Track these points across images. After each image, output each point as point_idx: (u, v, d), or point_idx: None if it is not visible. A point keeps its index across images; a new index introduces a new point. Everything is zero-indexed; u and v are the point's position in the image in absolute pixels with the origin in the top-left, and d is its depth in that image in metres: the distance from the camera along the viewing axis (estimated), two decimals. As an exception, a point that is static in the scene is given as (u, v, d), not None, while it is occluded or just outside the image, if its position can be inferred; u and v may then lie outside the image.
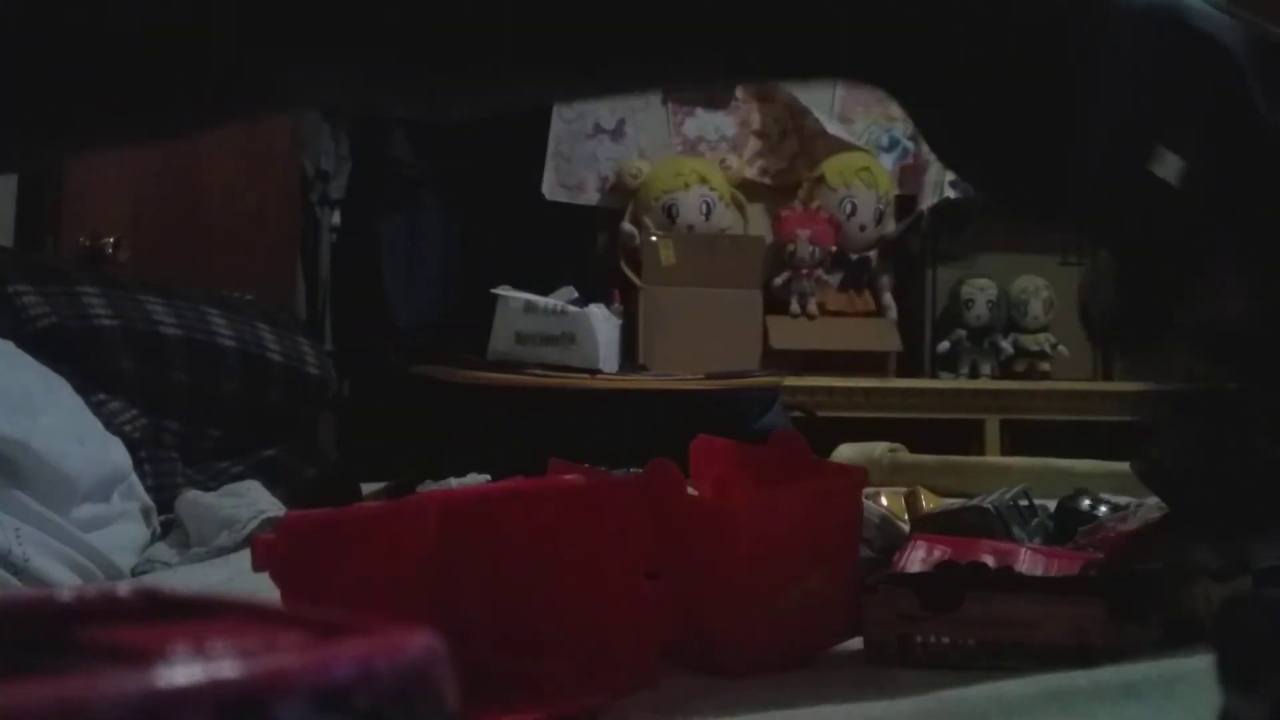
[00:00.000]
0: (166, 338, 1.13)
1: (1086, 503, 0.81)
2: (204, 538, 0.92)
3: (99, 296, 1.10)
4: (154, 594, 0.21)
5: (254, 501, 0.97)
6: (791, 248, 2.62)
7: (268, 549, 0.50)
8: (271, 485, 1.07)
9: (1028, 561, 0.62)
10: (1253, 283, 0.34)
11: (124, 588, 0.22)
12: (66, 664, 0.19)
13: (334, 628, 0.19)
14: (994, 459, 2.13)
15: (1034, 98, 0.38)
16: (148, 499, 0.95)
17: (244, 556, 0.59)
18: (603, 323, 2.05)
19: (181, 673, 0.16)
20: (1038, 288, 2.65)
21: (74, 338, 1.05)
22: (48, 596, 0.21)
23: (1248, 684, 0.24)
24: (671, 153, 2.82)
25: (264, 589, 0.51)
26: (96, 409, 0.98)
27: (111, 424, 0.99)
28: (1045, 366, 2.64)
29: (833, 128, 2.82)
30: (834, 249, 2.67)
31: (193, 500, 0.97)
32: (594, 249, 2.83)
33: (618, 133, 2.83)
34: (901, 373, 2.62)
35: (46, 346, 0.97)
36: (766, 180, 2.87)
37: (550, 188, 2.78)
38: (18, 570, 0.74)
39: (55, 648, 0.20)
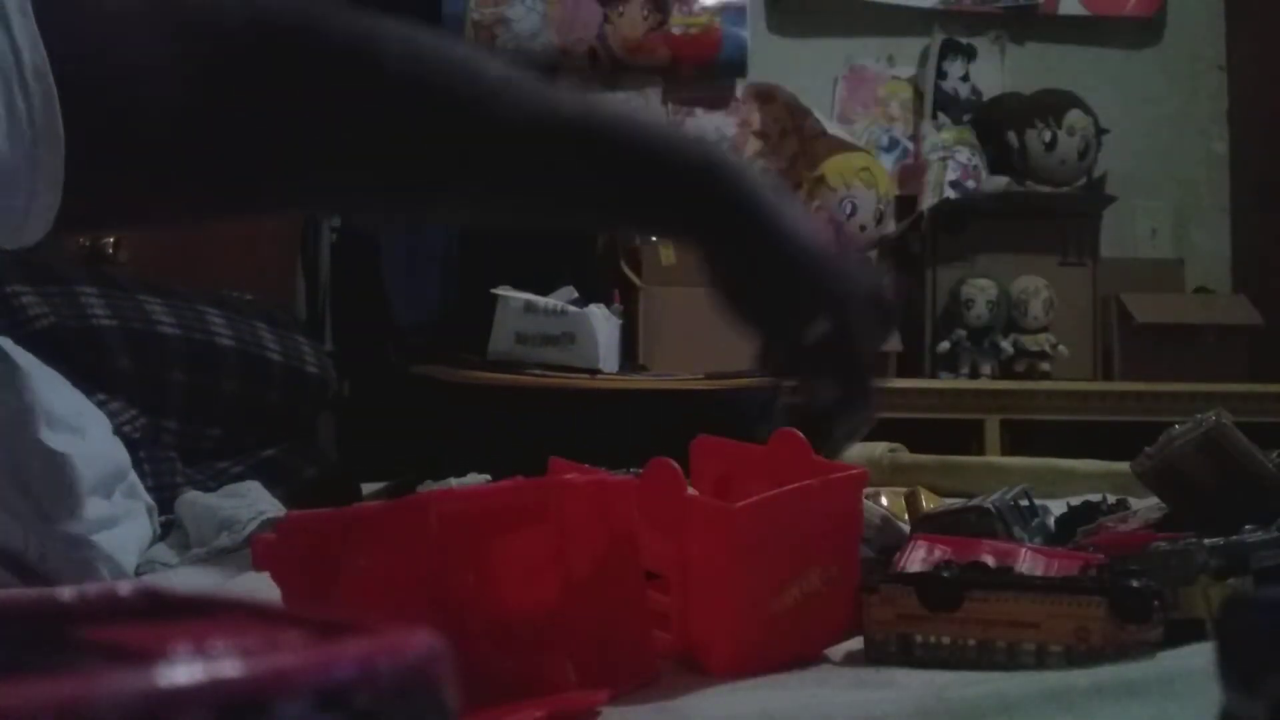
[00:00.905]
0: (165, 337, 1.13)
1: (1087, 503, 0.81)
2: (204, 539, 0.92)
3: (97, 296, 1.10)
4: (154, 593, 0.21)
5: (254, 502, 0.97)
6: (791, 248, 2.62)
7: (268, 549, 0.50)
8: (271, 485, 1.07)
9: (1028, 561, 0.62)
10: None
11: (124, 587, 0.22)
12: (67, 663, 0.19)
13: (334, 627, 0.19)
14: (994, 459, 2.13)
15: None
16: (149, 498, 0.95)
17: (244, 556, 0.59)
18: (603, 323, 2.04)
19: (182, 672, 0.16)
20: (1038, 288, 2.65)
21: (72, 338, 1.05)
22: (48, 596, 0.21)
23: (1248, 683, 0.24)
24: (671, 153, 2.82)
25: (264, 589, 0.51)
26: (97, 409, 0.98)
27: (111, 424, 0.98)
28: (1045, 367, 2.64)
29: (833, 128, 2.82)
30: (834, 249, 2.67)
31: (192, 501, 0.97)
32: (594, 249, 2.83)
33: (618, 133, 2.83)
34: (901, 373, 2.62)
35: (45, 347, 0.96)
36: (766, 180, 2.87)
37: (550, 188, 2.78)
38: (29, 570, 0.74)
39: (56, 647, 0.20)
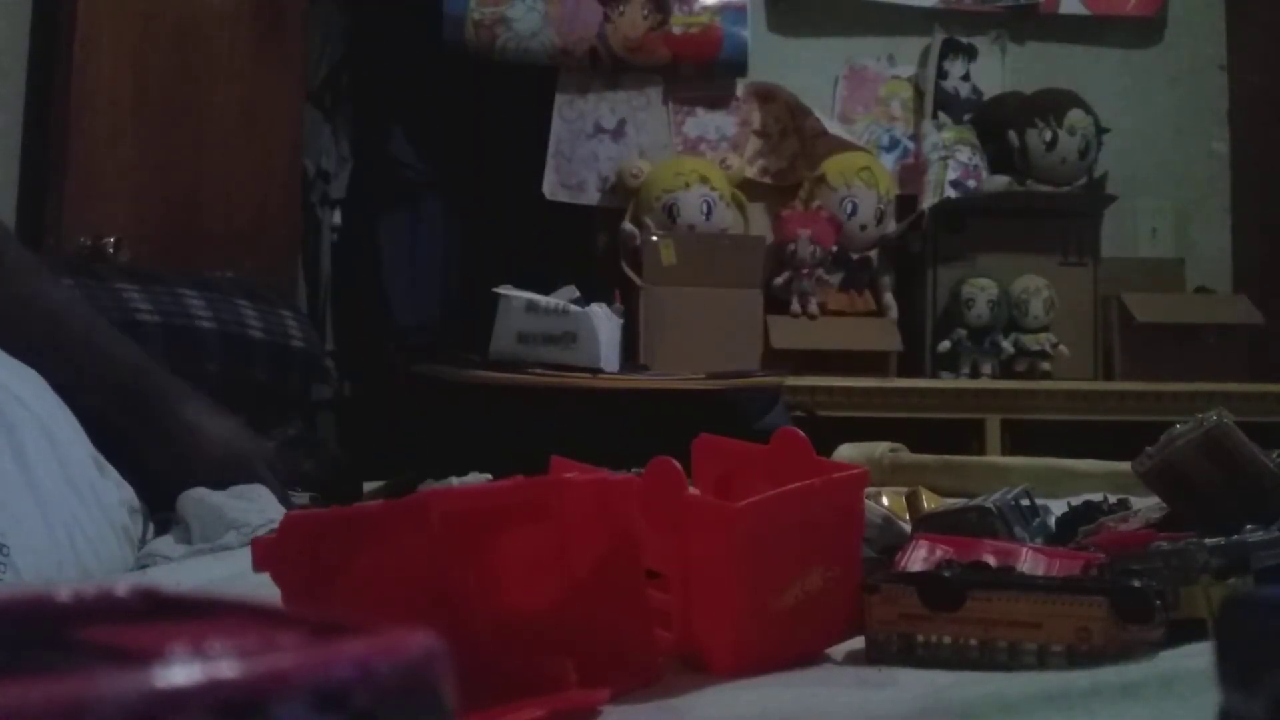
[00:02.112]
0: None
1: (1087, 502, 0.81)
2: (208, 535, 0.92)
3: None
4: (152, 594, 0.21)
5: (264, 508, 0.96)
6: (792, 247, 2.62)
7: (268, 549, 0.50)
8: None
9: (1029, 561, 0.62)
10: None
11: (123, 587, 0.22)
12: (65, 663, 0.19)
13: (333, 627, 0.19)
14: (994, 459, 2.13)
15: None
16: (136, 501, 0.94)
17: (248, 553, 0.59)
18: (604, 322, 2.04)
19: (180, 672, 0.16)
20: (1038, 288, 2.65)
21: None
22: (46, 596, 0.21)
23: (1247, 682, 0.24)
24: (672, 152, 2.82)
25: (266, 586, 0.51)
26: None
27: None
28: (1046, 366, 2.64)
29: (833, 127, 2.82)
30: (835, 249, 2.66)
31: (199, 498, 0.96)
32: (595, 249, 2.83)
33: (618, 133, 2.83)
34: (902, 372, 2.62)
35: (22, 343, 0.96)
36: (767, 180, 2.87)
37: (551, 188, 2.78)
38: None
39: (54, 647, 0.20)
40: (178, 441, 0.97)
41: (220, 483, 0.94)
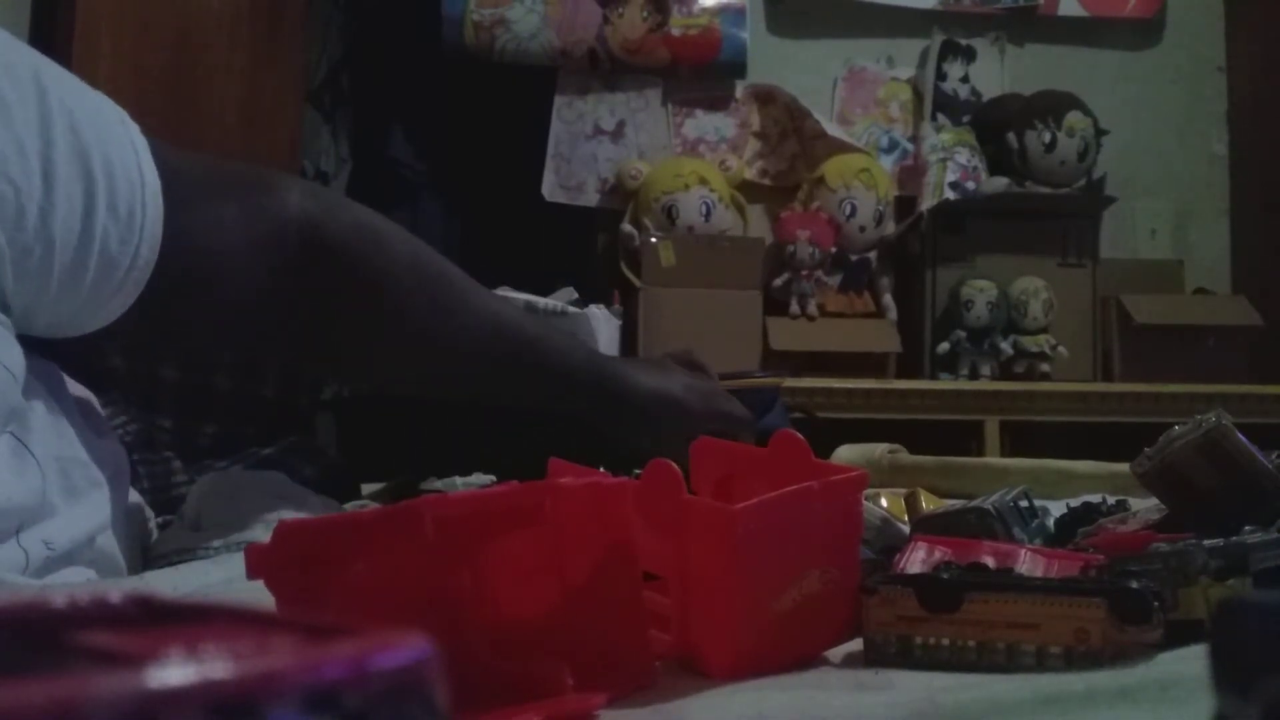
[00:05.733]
0: None
1: (1086, 504, 0.81)
2: (223, 520, 0.90)
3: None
4: (146, 600, 0.21)
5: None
6: (791, 249, 2.63)
7: (261, 556, 0.50)
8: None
9: (1028, 563, 0.62)
10: None
11: (116, 593, 0.22)
12: (59, 667, 0.19)
13: (326, 631, 0.19)
14: (994, 460, 2.13)
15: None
16: (139, 498, 0.94)
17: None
18: (603, 323, 2.05)
19: (173, 673, 0.16)
20: (1037, 289, 2.65)
21: (63, 338, 1.04)
22: (40, 602, 0.21)
23: (1241, 686, 0.24)
24: (671, 154, 2.82)
25: (261, 592, 0.51)
26: (89, 413, 0.97)
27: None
28: (1045, 368, 2.64)
29: (832, 129, 2.82)
30: (834, 250, 2.67)
31: (214, 482, 0.95)
32: (594, 250, 2.84)
33: (617, 134, 2.83)
34: (901, 374, 2.62)
35: (37, 349, 0.96)
36: (766, 181, 2.87)
37: (550, 189, 2.79)
38: None
39: (49, 651, 0.20)
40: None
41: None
